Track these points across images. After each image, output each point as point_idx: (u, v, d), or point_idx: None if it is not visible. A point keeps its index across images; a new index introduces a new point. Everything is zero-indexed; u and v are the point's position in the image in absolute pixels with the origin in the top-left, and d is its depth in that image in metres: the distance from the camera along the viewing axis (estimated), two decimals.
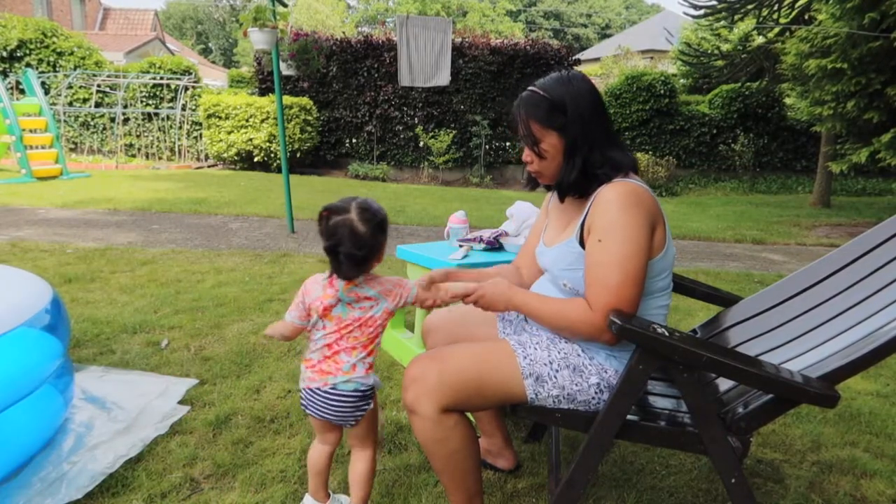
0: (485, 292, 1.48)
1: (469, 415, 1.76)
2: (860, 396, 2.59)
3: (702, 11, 10.06)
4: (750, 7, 9.42)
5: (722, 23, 10.85)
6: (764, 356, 1.56)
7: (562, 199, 1.55)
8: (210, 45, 46.38)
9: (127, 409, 2.15)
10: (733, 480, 1.31)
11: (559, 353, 1.45)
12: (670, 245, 1.44)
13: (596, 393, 1.41)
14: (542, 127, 1.43)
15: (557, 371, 1.42)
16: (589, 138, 1.42)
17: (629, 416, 1.37)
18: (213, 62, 38.88)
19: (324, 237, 1.39)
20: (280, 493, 1.72)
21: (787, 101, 12.04)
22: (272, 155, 10.87)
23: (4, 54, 11.40)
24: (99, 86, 11.76)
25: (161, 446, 1.95)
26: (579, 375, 1.42)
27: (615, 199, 1.36)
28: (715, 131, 12.44)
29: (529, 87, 1.47)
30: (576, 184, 1.45)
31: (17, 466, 1.73)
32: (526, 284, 1.71)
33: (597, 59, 23.80)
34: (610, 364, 1.43)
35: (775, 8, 9.42)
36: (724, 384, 1.54)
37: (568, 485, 1.36)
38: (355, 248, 1.37)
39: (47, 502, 1.63)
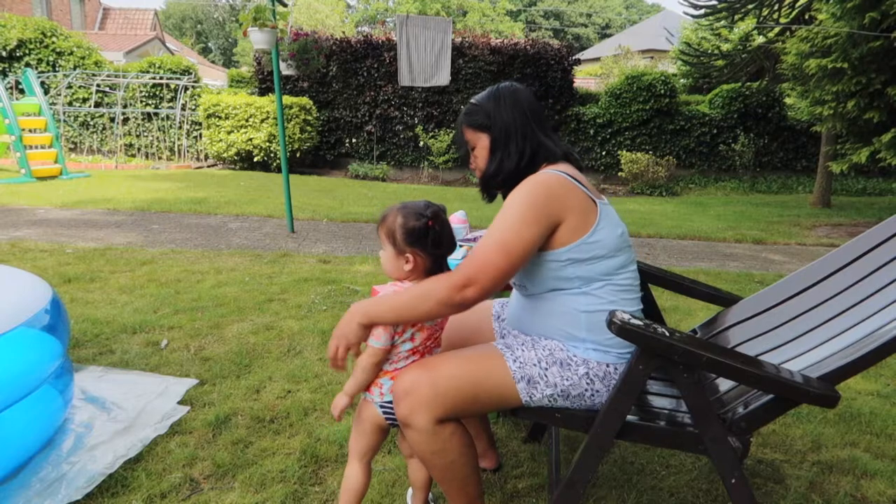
0: (337, 339, 1.39)
1: None
2: (860, 396, 2.59)
3: (702, 11, 10.06)
4: (750, 7, 9.42)
5: (722, 23, 10.84)
6: (764, 356, 1.56)
7: (489, 199, 1.63)
8: (210, 44, 46.39)
9: (126, 409, 2.15)
10: (733, 481, 1.31)
11: (544, 350, 1.44)
12: (600, 234, 1.41)
13: (587, 384, 1.41)
14: (473, 131, 1.56)
15: (546, 369, 1.41)
16: (509, 134, 1.52)
17: (629, 416, 1.37)
18: (213, 62, 38.88)
19: (432, 246, 1.43)
20: (280, 493, 1.72)
21: (788, 100, 12.05)
22: (272, 155, 10.87)
23: (4, 54, 11.39)
24: (98, 85, 11.76)
25: (161, 446, 1.95)
26: (567, 369, 1.42)
27: (521, 187, 1.43)
28: (715, 131, 12.43)
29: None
30: (493, 178, 1.54)
31: (17, 466, 1.73)
32: None
33: (597, 59, 23.80)
34: (589, 356, 1.43)
35: (775, 8, 9.42)
36: (724, 384, 1.54)
37: (568, 485, 1.36)
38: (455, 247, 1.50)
39: (47, 503, 1.62)
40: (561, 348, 1.44)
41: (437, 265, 1.47)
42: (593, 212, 1.42)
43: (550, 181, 1.42)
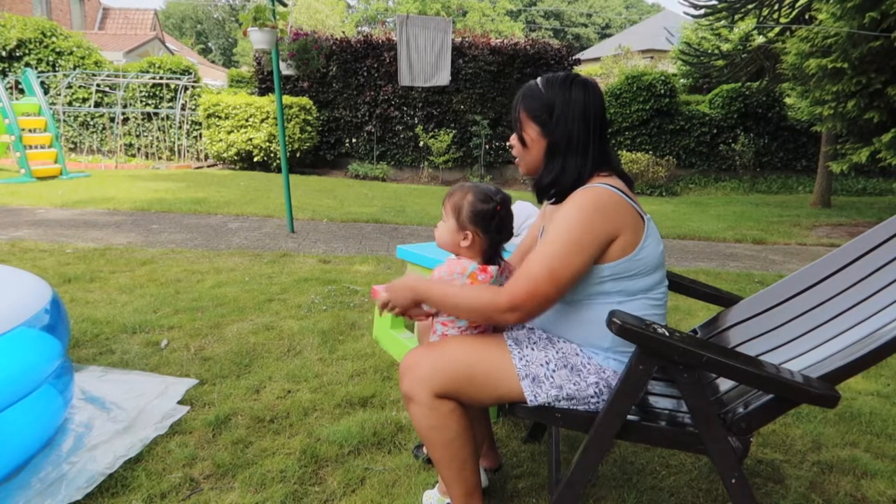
0: (390, 295, 1.49)
1: None
2: (860, 396, 2.59)
3: (702, 11, 10.06)
4: (750, 7, 9.42)
5: (722, 22, 10.84)
6: (764, 356, 1.56)
7: (539, 201, 1.60)
8: (210, 44, 46.40)
9: (126, 409, 2.15)
10: (733, 481, 1.31)
11: (557, 352, 1.45)
12: (646, 251, 1.40)
13: (595, 392, 1.41)
14: (529, 119, 1.49)
15: (555, 371, 1.42)
16: (570, 146, 1.45)
17: (629, 416, 1.37)
18: (213, 62, 38.89)
19: (495, 231, 1.50)
20: (280, 493, 1.72)
21: (788, 100, 12.05)
22: (272, 155, 10.87)
23: (4, 54, 11.39)
24: (98, 85, 11.76)
25: (161, 446, 1.95)
26: (577, 375, 1.42)
27: (575, 201, 1.39)
28: (715, 131, 12.44)
29: (538, 77, 1.53)
30: (550, 187, 1.49)
31: (17, 467, 1.73)
32: None
33: (597, 59, 23.81)
34: (608, 364, 1.43)
35: (775, 7, 9.42)
36: (724, 384, 1.54)
37: (568, 485, 1.36)
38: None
39: (47, 503, 1.62)
40: (577, 353, 1.45)
41: (493, 249, 1.53)
42: (641, 228, 1.40)
43: (603, 199, 1.38)
